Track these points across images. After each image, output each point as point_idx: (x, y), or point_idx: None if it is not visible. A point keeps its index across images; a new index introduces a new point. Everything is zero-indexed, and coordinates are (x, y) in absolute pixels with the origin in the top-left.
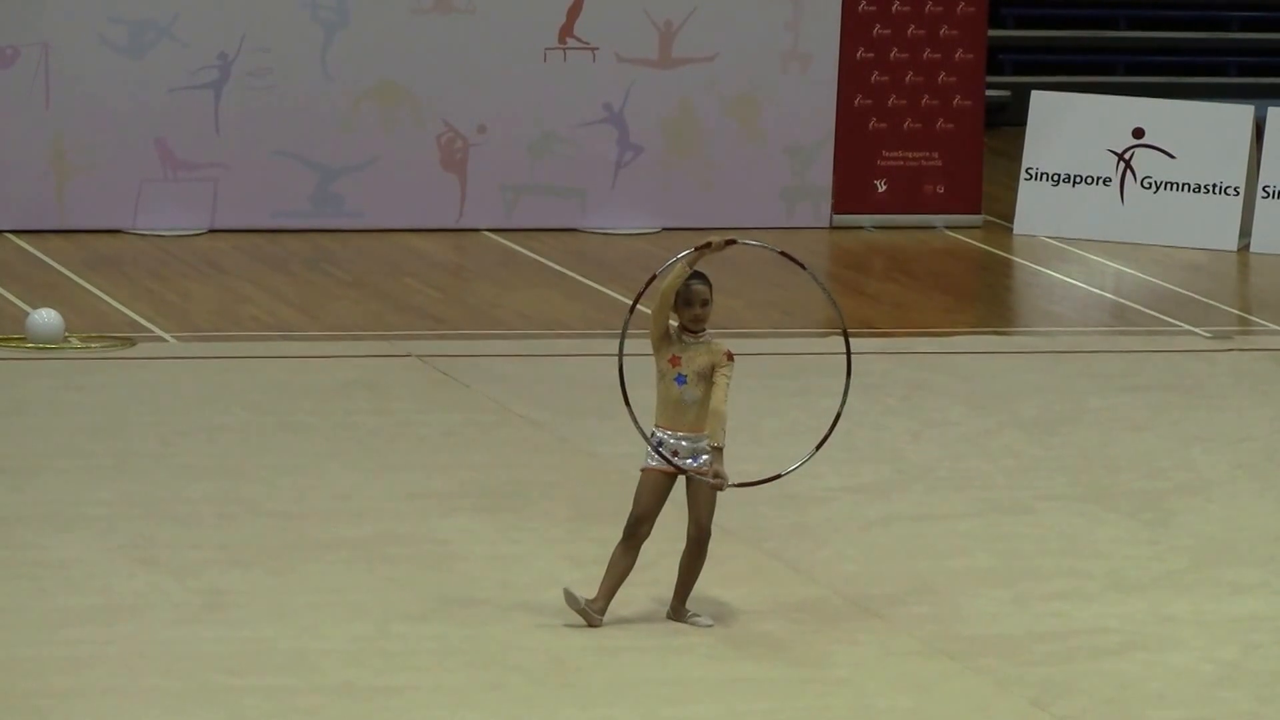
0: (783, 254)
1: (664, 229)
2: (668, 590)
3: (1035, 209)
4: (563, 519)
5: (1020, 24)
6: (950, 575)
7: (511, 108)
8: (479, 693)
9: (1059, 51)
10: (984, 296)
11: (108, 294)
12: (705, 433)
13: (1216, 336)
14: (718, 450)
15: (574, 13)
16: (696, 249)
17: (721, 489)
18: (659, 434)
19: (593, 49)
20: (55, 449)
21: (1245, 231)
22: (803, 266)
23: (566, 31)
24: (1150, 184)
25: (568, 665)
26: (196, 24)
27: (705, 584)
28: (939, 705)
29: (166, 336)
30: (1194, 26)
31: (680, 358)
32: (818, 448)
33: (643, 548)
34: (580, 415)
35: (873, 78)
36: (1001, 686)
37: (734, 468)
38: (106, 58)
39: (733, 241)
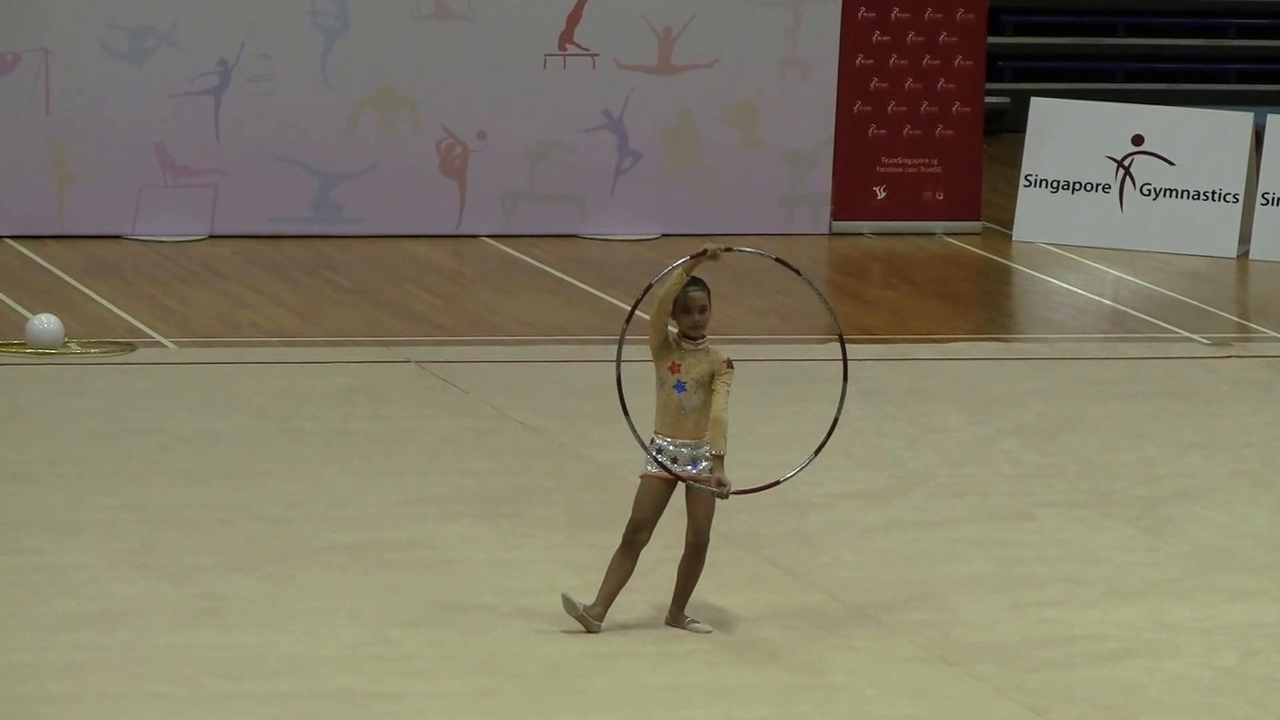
0: (778, 260)
1: (663, 235)
2: (666, 596)
3: (1034, 216)
4: (561, 525)
5: (1019, 31)
6: (948, 582)
7: (511, 114)
8: (476, 699)
9: (1058, 58)
10: (983, 303)
11: (107, 300)
12: (706, 440)
13: (1215, 343)
14: (719, 459)
15: (574, 19)
16: (692, 257)
17: (725, 496)
18: (659, 441)
19: (592, 55)
20: (54, 454)
21: (1244, 238)
22: (798, 272)
23: (566, 38)
24: (1149, 191)
25: (566, 671)
26: (196, 30)
27: (704, 590)
28: (937, 711)
29: (166, 342)
30: (1193, 33)
31: (680, 365)
32: (815, 453)
33: (641, 554)
34: (579, 421)
35: (872, 84)
36: (999, 693)
37: (733, 474)
38: (107, 64)
39: (729, 249)
